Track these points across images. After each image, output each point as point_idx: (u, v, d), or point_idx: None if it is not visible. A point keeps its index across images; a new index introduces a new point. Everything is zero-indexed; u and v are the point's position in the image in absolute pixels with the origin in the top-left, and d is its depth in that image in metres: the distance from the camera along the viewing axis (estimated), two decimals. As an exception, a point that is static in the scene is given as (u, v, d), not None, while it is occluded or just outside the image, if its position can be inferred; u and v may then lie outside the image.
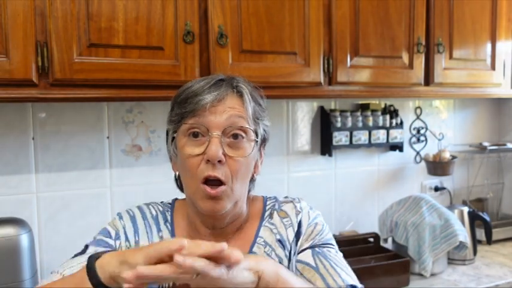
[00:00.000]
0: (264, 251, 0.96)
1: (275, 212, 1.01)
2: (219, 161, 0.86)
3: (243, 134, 0.90)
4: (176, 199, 1.06)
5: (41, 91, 1.32)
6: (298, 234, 0.99)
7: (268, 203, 1.04)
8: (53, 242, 1.68)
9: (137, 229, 0.98)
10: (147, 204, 1.04)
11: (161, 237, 0.97)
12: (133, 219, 0.99)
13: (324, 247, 0.98)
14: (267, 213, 1.02)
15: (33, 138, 1.64)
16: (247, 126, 0.90)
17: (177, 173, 0.99)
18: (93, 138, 1.72)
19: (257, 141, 0.93)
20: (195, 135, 0.89)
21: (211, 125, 0.87)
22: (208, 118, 0.87)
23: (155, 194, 1.79)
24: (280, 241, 0.98)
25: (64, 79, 1.32)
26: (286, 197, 1.07)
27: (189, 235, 0.98)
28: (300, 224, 0.99)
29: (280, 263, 0.95)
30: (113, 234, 0.97)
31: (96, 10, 1.34)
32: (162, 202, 1.06)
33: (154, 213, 1.01)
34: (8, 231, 1.39)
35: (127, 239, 0.96)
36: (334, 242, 1.02)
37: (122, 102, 1.74)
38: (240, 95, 0.91)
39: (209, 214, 0.91)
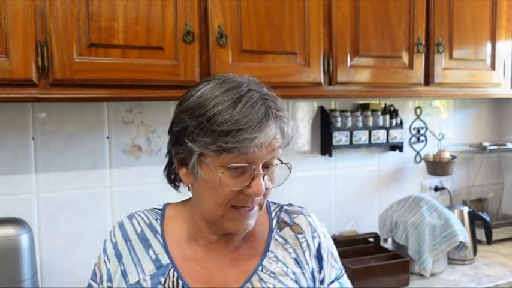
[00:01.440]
0: (277, 266, 0.93)
1: (287, 226, 0.99)
2: None
3: (277, 162, 0.88)
4: (168, 204, 1.01)
5: (41, 91, 1.32)
6: (320, 261, 0.98)
7: (272, 209, 1.02)
8: (53, 242, 1.68)
9: (120, 257, 0.93)
10: (131, 218, 0.98)
11: (152, 254, 0.93)
12: (115, 247, 0.95)
13: (343, 275, 1.03)
14: (274, 222, 0.99)
15: (33, 138, 1.64)
16: (277, 160, 0.89)
17: (190, 185, 0.94)
18: (93, 138, 1.72)
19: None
20: (243, 170, 0.84)
21: (256, 161, 0.83)
22: (256, 154, 0.82)
23: (155, 194, 1.80)
24: (296, 260, 0.95)
25: (64, 79, 1.32)
26: (291, 205, 1.04)
27: (189, 243, 0.94)
28: (319, 250, 0.98)
29: (296, 281, 0.93)
30: (97, 276, 0.96)
31: (96, 10, 1.34)
32: (151, 209, 1.00)
33: (139, 229, 0.96)
34: (8, 231, 1.39)
35: (110, 279, 0.93)
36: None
37: (122, 102, 1.75)
38: (281, 127, 0.87)
39: (240, 233, 0.92)
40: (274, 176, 0.89)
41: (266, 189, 0.86)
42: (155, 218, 0.97)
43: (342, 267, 1.04)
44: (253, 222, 0.89)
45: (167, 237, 0.94)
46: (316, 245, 0.98)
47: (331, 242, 1.03)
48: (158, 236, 0.94)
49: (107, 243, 0.97)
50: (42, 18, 1.29)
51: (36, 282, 1.46)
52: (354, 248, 1.96)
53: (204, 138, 0.82)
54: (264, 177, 0.85)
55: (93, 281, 0.97)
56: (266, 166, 0.86)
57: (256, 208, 0.88)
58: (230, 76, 0.90)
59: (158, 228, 0.95)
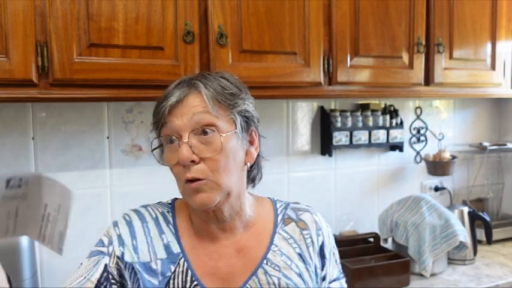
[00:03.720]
0: (281, 260, 0.96)
1: (293, 222, 1.01)
2: (193, 161, 0.87)
3: (213, 128, 0.88)
4: (176, 199, 1.04)
5: (41, 91, 1.32)
6: (323, 259, 1.00)
7: (278, 206, 1.04)
8: (53, 242, 1.68)
9: (134, 233, 0.95)
10: (145, 207, 1.01)
11: (164, 240, 0.95)
12: (129, 223, 0.96)
13: (343, 278, 1.05)
14: (279, 218, 1.01)
15: (33, 138, 1.64)
16: (214, 125, 0.87)
17: None
18: (93, 138, 1.72)
19: (235, 132, 0.90)
20: (172, 141, 0.89)
21: (178, 129, 0.88)
22: (175, 123, 0.88)
23: (155, 194, 1.79)
24: (300, 255, 0.98)
25: (64, 79, 1.32)
26: (297, 203, 1.06)
27: (195, 234, 0.96)
28: (322, 248, 1.01)
29: (300, 275, 0.96)
30: (106, 242, 0.95)
31: (96, 10, 1.34)
32: (160, 203, 1.03)
33: (154, 215, 0.98)
34: (8, 231, 1.39)
35: (122, 244, 0.93)
36: None
37: (122, 102, 1.75)
38: (199, 90, 0.89)
39: (201, 208, 0.90)
40: (214, 143, 0.87)
41: (207, 158, 0.87)
42: (166, 210, 1.00)
43: (341, 270, 1.06)
44: (213, 196, 0.88)
45: (179, 228, 0.97)
46: (320, 243, 1.00)
47: (334, 243, 1.05)
48: (170, 226, 0.97)
49: (120, 221, 0.97)
50: (42, 18, 1.29)
51: (36, 282, 1.47)
52: (354, 248, 1.96)
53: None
54: (198, 144, 0.87)
55: (99, 246, 0.94)
56: (200, 134, 0.88)
57: (204, 181, 0.87)
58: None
59: (170, 219, 0.98)
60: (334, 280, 1.03)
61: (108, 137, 1.75)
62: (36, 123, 1.64)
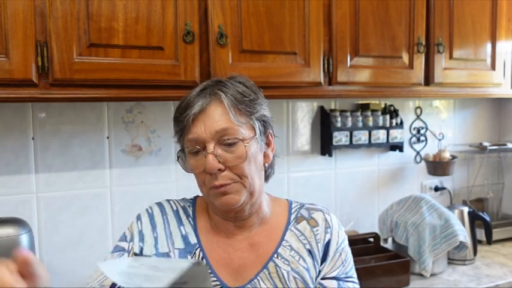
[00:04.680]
0: (290, 255, 1.00)
1: (304, 220, 1.04)
2: (219, 170, 0.91)
3: (236, 140, 0.92)
4: (197, 196, 1.09)
5: (41, 91, 1.32)
6: (324, 255, 1.02)
7: (293, 205, 1.08)
8: (53, 242, 1.68)
9: (155, 226, 1.01)
10: (168, 200, 1.07)
11: (182, 231, 1.01)
12: (151, 216, 1.03)
13: (347, 281, 1.02)
14: (292, 216, 1.05)
15: (33, 138, 1.64)
16: (237, 135, 0.92)
17: None
18: (93, 138, 1.72)
19: (255, 137, 0.95)
20: (197, 152, 0.94)
21: (203, 141, 0.92)
22: (199, 134, 0.92)
23: (155, 194, 1.80)
24: (310, 251, 1.01)
25: (64, 79, 1.32)
26: (313, 204, 1.09)
27: (212, 229, 1.02)
28: (328, 245, 1.02)
29: (307, 270, 0.99)
30: (128, 237, 1.01)
31: (96, 10, 1.34)
32: (183, 198, 1.09)
33: (175, 208, 1.05)
34: (8, 231, 1.38)
35: (142, 239, 1.00)
36: (354, 270, 1.05)
37: (122, 102, 1.74)
38: (221, 100, 0.93)
39: (226, 208, 0.95)
40: (239, 152, 0.92)
41: (233, 165, 0.92)
42: (188, 204, 1.07)
43: (352, 274, 1.04)
44: (238, 197, 0.93)
45: (197, 222, 1.03)
46: (326, 240, 1.02)
47: (346, 246, 1.05)
48: (190, 219, 1.04)
49: (143, 214, 1.04)
50: (42, 18, 1.29)
51: (36, 282, 1.46)
52: (354, 248, 1.94)
53: (174, 131, 0.98)
54: (223, 153, 0.92)
55: (122, 241, 1.01)
56: (225, 145, 0.92)
57: (232, 184, 0.93)
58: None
59: (190, 212, 1.05)
60: (332, 278, 1.02)
61: (108, 137, 1.75)
62: (36, 123, 1.64)
